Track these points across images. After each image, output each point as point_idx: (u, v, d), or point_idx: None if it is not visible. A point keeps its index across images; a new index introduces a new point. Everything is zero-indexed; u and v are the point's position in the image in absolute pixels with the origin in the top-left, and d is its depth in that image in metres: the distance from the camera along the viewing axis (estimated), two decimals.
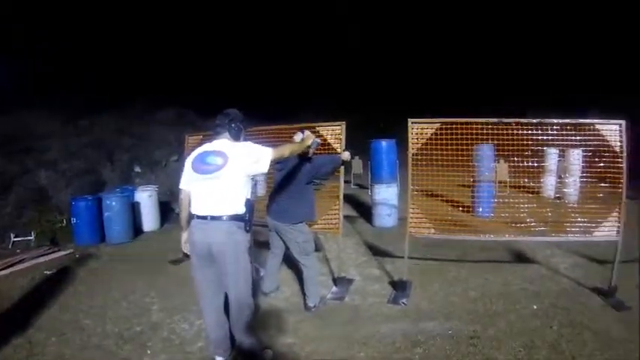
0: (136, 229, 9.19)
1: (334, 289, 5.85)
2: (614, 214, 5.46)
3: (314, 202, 5.33)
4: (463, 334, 4.55)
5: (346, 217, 9.89)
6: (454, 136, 5.68)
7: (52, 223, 9.01)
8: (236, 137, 3.73)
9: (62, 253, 7.90)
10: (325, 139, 5.51)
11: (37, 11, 11.25)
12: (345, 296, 5.66)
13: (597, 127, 5.37)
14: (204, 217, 3.50)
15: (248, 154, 3.53)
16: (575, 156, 7.88)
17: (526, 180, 6.75)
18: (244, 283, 3.62)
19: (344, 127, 5.61)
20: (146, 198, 9.48)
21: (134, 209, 9.20)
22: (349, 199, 11.75)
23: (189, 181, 3.65)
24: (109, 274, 6.82)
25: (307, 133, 4.56)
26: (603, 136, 5.36)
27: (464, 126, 5.60)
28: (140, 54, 13.68)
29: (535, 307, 5.22)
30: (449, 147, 5.75)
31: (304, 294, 5.35)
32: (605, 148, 5.45)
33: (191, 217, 3.64)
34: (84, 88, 11.41)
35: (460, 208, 7.86)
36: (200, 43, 16.23)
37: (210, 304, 3.75)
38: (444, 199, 8.26)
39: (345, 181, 15.05)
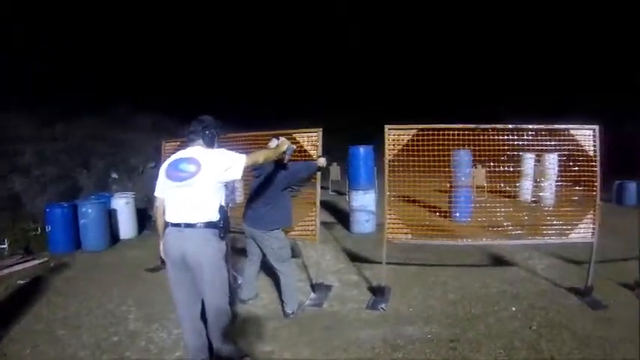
0: (113, 236, 9.05)
1: (312, 295, 5.84)
2: (589, 216, 5.62)
3: (290, 209, 5.31)
4: (443, 338, 4.57)
5: (324, 223, 9.88)
6: (431, 142, 5.74)
7: (26, 231, 8.79)
8: (209, 144, 3.73)
9: (36, 261, 7.73)
10: (302, 146, 5.49)
11: (12, 9, 10.95)
12: (324, 302, 5.65)
13: (571, 132, 5.51)
14: (178, 225, 3.48)
15: (221, 161, 3.49)
16: (551, 160, 8.02)
17: (502, 184, 6.83)
18: (220, 290, 3.58)
19: (320, 133, 5.61)
20: (123, 205, 9.36)
21: (110, 216, 9.06)
22: (327, 206, 11.82)
23: (164, 189, 3.64)
24: (85, 282, 6.68)
25: (282, 139, 4.52)
26: (577, 140, 5.49)
27: (441, 132, 5.66)
28: (118, 59, 13.48)
29: (514, 308, 5.31)
30: (426, 153, 5.81)
31: (282, 301, 5.32)
32: (580, 153, 5.56)
33: (166, 224, 3.61)
34: (60, 91, 11.14)
35: (437, 213, 7.95)
36: (179, 48, 16.07)
37: (187, 312, 3.69)
38: (423, 204, 8.33)
39: (323, 188, 15.09)
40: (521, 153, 5.98)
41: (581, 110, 9.67)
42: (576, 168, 5.77)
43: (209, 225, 3.48)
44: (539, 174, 9.02)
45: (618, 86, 15.90)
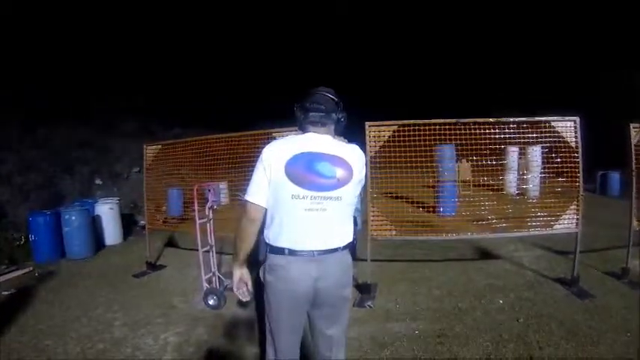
0: (98, 243, 8.94)
1: None
2: (573, 207, 5.69)
3: None
4: (430, 334, 4.58)
5: None
6: (415, 138, 5.73)
7: (10, 241, 8.66)
8: (339, 134, 2.77)
9: (20, 271, 7.59)
10: None
11: None
12: None
13: (553, 124, 5.56)
14: (310, 253, 2.52)
15: (363, 164, 2.68)
16: (535, 153, 8.06)
17: (485, 178, 6.86)
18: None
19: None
20: (107, 211, 9.27)
21: (95, 223, 8.97)
22: None
23: (277, 197, 2.52)
24: (70, 291, 6.58)
25: None
26: (559, 132, 5.54)
27: (423, 127, 5.68)
28: (101, 63, 13.27)
29: (501, 301, 5.34)
30: (410, 148, 5.79)
31: None
32: (562, 144, 5.60)
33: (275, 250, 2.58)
34: (42, 96, 10.98)
35: (420, 209, 7.97)
36: (165, 51, 15.88)
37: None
38: (408, 200, 8.30)
39: None
40: (503, 146, 5.95)
41: (565, 102, 9.78)
42: (559, 160, 5.81)
43: (347, 246, 2.67)
44: (523, 166, 9.06)
45: (600, 79, 16.11)
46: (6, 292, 6.59)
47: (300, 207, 2.47)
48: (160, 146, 7.11)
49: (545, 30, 18.43)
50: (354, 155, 2.61)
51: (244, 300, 2.77)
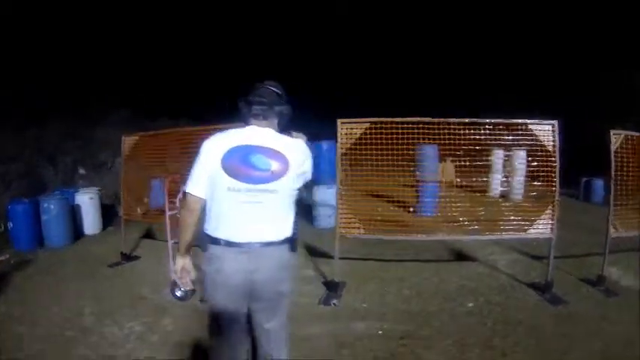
0: (77, 232, 8.93)
1: None
2: (548, 211, 5.65)
3: None
4: (394, 335, 4.55)
5: None
6: (390, 136, 5.70)
7: None
8: (282, 127, 2.73)
9: None
10: None
11: None
12: None
13: (530, 127, 5.54)
14: (244, 245, 2.54)
15: (302, 157, 2.66)
16: (519, 156, 8.04)
17: (459, 180, 6.85)
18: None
19: None
20: (87, 200, 9.26)
21: (74, 212, 8.96)
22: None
23: (214, 188, 2.55)
24: (45, 279, 6.61)
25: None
26: (537, 135, 5.52)
27: (399, 125, 5.65)
28: (86, 52, 13.09)
29: (470, 304, 5.29)
30: (385, 147, 5.77)
31: None
32: (539, 148, 5.59)
33: (205, 239, 2.64)
34: (26, 84, 10.87)
35: (395, 208, 7.89)
36: (150, 40, 15.68)
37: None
38: (383, 199, 8.23)
39: None
40: (478, 147, 5.93)
41: (551, 108, 9.76)
42: (535, 163, 5.80)
43: (286, 241, 2.66)
44: (509, 169, 9.07)
45: (600, 79, 16.13)
46: None
47: (236, 199, 2.50)
48: (137, 137, 7.08)
49: (545, 30, 18.36)
50: (293, 148, 2.61)
51: (186, 289, 2.82)
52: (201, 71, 17.04)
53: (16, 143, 10.28)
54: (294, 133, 2.82)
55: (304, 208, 10.50)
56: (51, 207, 8.34)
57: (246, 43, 19.48)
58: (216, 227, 2.56)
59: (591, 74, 16.15)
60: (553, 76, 17.68)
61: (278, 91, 2.68)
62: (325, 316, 5.04)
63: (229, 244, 2.52)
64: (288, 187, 2.58)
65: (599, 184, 12.05)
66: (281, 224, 2.63)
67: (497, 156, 8.56)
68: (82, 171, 11.29)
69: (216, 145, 2.55)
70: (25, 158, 10.19)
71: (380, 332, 4.61)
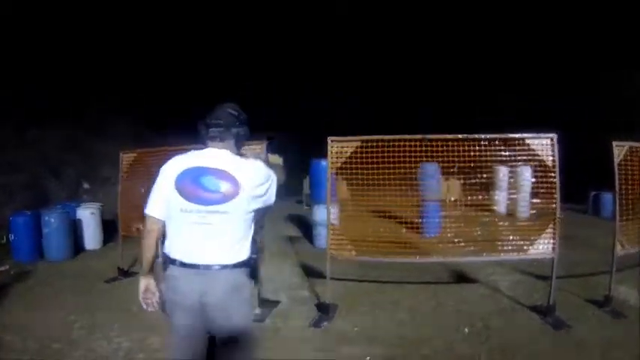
0: (77, 246, 9.02)
1: (257, 310, 5.64)
2: (549, 230, 5.36)
3: None
4: None
5: (289, 237, 10.02)
6: (382, 154, 5.60)
7: None
8: (239, 149, 2.77)
9: None
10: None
11: None
12: (266, 319, 5.50)
13: (528, 141, 5.32)
14: (196, 266, 2.51)
15: (259, 179, 2.60)
16: (524, 172, 7.88)
17: (452, 198, 6.70)
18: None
19: (265, 145, 5.52)
20: (88, 216, 9.36)
21: (75, 227, 9.08)
22: (297, 220, 11.86)
23: (170, 210, 2.59)
24: (41, 291, 6.68)
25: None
26: (534, 150, 5.30)
27: (392, 143, 5.55)
28: (94, 64, 13.13)
29: (467, 330, 5.03)
30: (375, 165, 5.66)
31: None
32: (537, 163, 5.43)
33: (166, 260, 2.64)
34: (36, 97, 10.90)
35: (388, 228, 7.66)
36: (159, 51, 15.50)
37: None
38: (378, 219, 8.09)
39: (299, 202, 14.82)
40: (473, 164, 5.75)
41: (555, 120, 9.66)
42: (534, 179, 5.64)
43: (240, 265, 2.58)
44: (499, 185, 8.92)
45: (600, 79, 16.09)
46: None
47: (188, 220, 2.52)
48: (135, 154, 7.15)
49: (545, 30, 18.27)
50: (246, 170, 2.58)
51: (150, 310, 2.77)
52: (204, 79, 16.88)
53: (19, 154, 10.36)
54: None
55: (305, 227, 10.46)
56: (52, 220, 8.44)
57: (249, 56, 19.47)
58: (171, 248, 2.59)
59: (591, 74, 16.14)
60: (552, 76, 17.64)
61: (235, 112, 2.72)
62: (314, 340, 4.91)
63: (183, 264, 2.52)
64: (241, 209, 2.54)
65: (607, 197, 11.79)
66: (233, 247, 2.56)
67: (501, 173, 8.44)
68: (86, 185, 11.39)
69: (172, 167, 2.60)
70: (29, 170, 10.25)
71: (368, 358, 4.44)
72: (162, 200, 2.59)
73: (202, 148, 2.66)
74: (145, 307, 2.76)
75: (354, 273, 6.71)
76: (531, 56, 18.66)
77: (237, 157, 2.64)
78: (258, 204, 2.61)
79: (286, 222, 12.10)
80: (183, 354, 2.63)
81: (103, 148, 12.26)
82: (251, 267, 2.62)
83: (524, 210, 9.05)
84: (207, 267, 2.48)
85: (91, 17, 12.59)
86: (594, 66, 16.04)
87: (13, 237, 8.36)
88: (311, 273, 7.20)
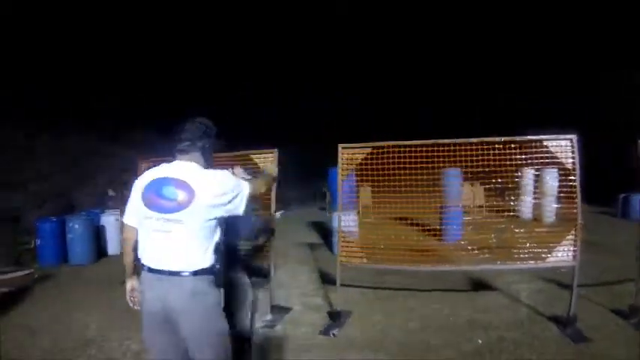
0: (100, 252, 9.28)
1: (268, 317, 5.65)
2: (570, 237, 5.04)
3: None
4: None
5: (309, 244, 9.98)
6: (394, 160, 5.52)
7: (20, 244, 9.02)
8: (207, 160, 2.83)
9: (21, 272, 7.76)
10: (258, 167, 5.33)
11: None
12: (277, 325, 5.48)
13: (546, 143, 5.04)
14: (157, 272, 2.58)
15: (221, 188, 2.63)
16: (551, 176, 7.64)
17: (461, 205, 6.51)
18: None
19: (276, 154, 5.56)
20: (112, 222, 9.55)
21: (99, 232, 9.34)
22: (319, 227, 11.83)
23: (139, 218, 2.70)
24: (62, 293, 6.92)
25: (237, 169, 4.14)
26: (553, 152, 5.01)
27: (403, 149, 5.45)
28: (117, 68, 13.05)
29: (480, 341, 4.76)
30: (387, 171, 5.60)
31: None
32: (557, 166, 5.22)
33: (138, 265, 2.75)
34: (54, 102, 11.01)
35: (402, 236, 7.51)
36: (158, 56, 15.39)
37: None
38: (395, 226, 7.88)
39: (322, 209, 14.89)
40: (487, 169, 5.51)
41: (555, 120, 9.47)
42: (555, 183, 5.40)
43: (201, 272, 2.59)
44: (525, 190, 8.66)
45: (600, 79, 15.97)
46: (5, 290, 6.82)
47: (150, 227, 2.61)
48: (151, 162, 7.24)
49: (544, 30, 17.96)
50: (206, 181, 2.62)
51: (136, 308, 2.87)
52: (204, 79, 16.75)
53: (50, 163, 10.72)
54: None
55: (326, 234, 10.41)
56: (76, 226, 8.75)
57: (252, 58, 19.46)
58: (142, 254, 2.68)
59: (591, 74, 16.04)
60: (552, 76, 17.50)
61: (202, 127, 2.83)
62: (321, 347, 4.83)
63: (150, 270, 2.61)
64: (198, 217, 2.56)
65: (637, 199, 11.43)
66: (192, 254, 2.59)
67: (526, 176, 8.14)
68: (111, 193, 11.62)
69: (142, 178, 2.73)
70: (57, 178, 10.55)
71: None
72: (135, 209, 2.72)
73: (172, 161, 2.77)
74: (131, 305, 2.94)
75: (369, 280, 6.60)
76: (531, 56, 18.57)
77: (201, 169, 2.72)
78: (220, 213, 2.64)
79: (308, 229, 12.14)
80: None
81: (127, 155, 12.49)
82: (214, 275, 2.66)
83: (549, 215, 8.79)
84: (170, 273, 2.54)
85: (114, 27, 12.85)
86: (594, 66, 15.97)
87: (39, 242, 8.67)
88: (327, 280, 7.07)
